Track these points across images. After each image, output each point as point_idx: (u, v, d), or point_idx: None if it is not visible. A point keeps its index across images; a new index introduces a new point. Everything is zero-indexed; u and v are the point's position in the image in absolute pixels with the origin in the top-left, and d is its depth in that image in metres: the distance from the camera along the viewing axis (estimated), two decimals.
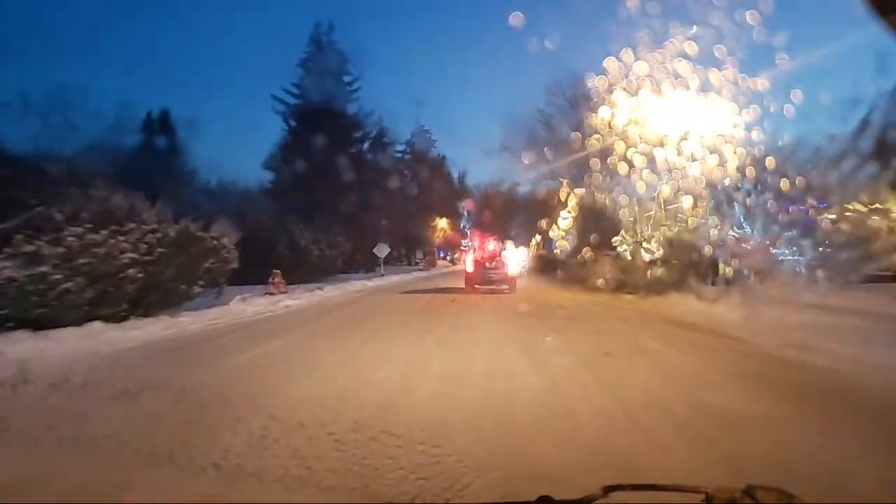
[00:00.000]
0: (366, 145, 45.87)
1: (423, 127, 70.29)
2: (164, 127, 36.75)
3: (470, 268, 20.04)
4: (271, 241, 25.71)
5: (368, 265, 42.78)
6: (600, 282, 22.21)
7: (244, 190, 29.41)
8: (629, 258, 25.97)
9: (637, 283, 21.06)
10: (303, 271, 27.09)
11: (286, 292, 17.10)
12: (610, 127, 18.01)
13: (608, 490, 1.52)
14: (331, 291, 19.31)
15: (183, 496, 2.91)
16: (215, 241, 12.31)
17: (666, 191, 20.22)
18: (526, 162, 46.19)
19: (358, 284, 23.59)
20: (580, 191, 45.32)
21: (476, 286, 19.50)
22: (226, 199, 26.91)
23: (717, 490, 1.48)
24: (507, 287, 19.93)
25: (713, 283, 19.33)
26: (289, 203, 42.37)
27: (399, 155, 66.95)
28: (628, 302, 17.13)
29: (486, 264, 19.95)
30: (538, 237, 61.92)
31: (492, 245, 22.14)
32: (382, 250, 32.23)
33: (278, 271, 17.33)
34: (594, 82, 16.07)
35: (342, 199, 41.58)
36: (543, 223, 46.99)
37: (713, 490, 1.48)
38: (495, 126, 70.98)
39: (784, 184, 17.32)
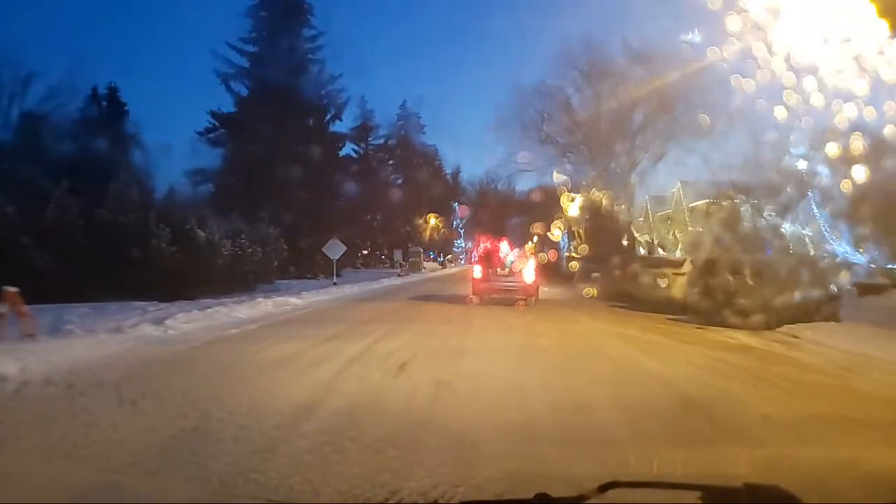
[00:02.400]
0: (330, 113, 36.21)
1: (410, 108, 60.95)
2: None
3: (478, 274, 16.75)
4: (138, 236, 16.26)
5: (332, 269, 33.36)
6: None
7: (98, 157, 19.49)
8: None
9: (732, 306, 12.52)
10: (206, 280, 17.85)
11: (32, 334, 7.63)
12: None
13: (604, 488, 1.47)
14: (182, 325, 9.83)
15: None
16: None
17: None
18: (523, 155, 39.26)
19: (269, 305, 14.11)
20: (579, 195, 38.91)
21: (486, 296, 16.12)
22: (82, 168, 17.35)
23: (715, 488, 1.42)
24: (524, 298, 15.90)
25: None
26: (225, 187, 33.00)
27: (381, 141, 57.94)
28: (820, 370, 7.85)
29: (499, 270, 16.66)
30: (535, 239, 56.77)
31: (505, 248, 18.59)
32: (336, 249, 22.78)
33: (12, 289, 7.73)
34: None
35: (300, 184, 32.19)
36: (538, 227, 42.18)
37: (710, 488, 1.42)
38: (493, 105, 62.53)
39: None
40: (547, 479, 2.52)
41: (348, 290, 20.67)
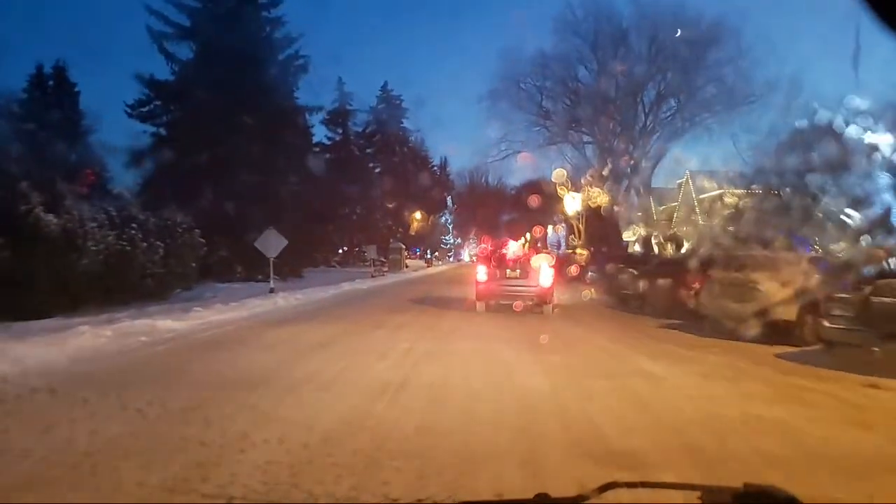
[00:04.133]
0: (288, 82, 30.15)
1: (391, 91, 55.19)
2: None
3: (482, 276, 14.22)
4: None
5: (294, 268, 27.53)
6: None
7: None
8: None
9: None
10: (62, 290, 12.23)
11: None
12: None
13: (604, 488, 1.46)
14: None
15: None
16: None
17: None
18: (524, 156, 35.80)
19: (106, 335, 8.22)
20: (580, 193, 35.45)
21: (492, 301, 14.19)
22: None
23: (714, 488, 1.41)
24: (538, 302, 13.58)
25: None
26: (160, 168, 27.03)
27: (361, 128, 52.34)
28: None
29: (508, 271, 14.16)
30: (528, 236, 53.49)
31: (514, 246, 16.21)
32: (272, 244, 16.87)
33: None
34: None
35: (249, 164, 26.27)
36: (538, 229, 39.32)
37: (710, 488, 1.41)
38: (487, 79, 57.41)
39: None
40: None
41: (283, 301, 14.77)
